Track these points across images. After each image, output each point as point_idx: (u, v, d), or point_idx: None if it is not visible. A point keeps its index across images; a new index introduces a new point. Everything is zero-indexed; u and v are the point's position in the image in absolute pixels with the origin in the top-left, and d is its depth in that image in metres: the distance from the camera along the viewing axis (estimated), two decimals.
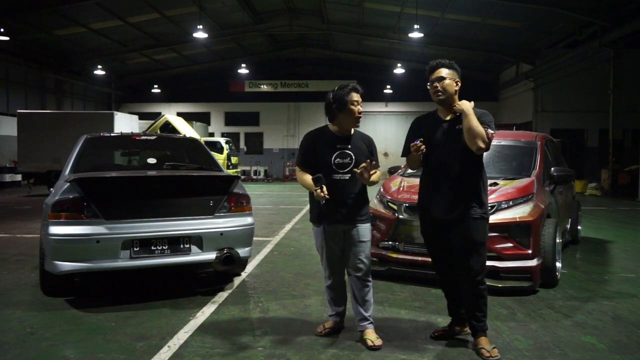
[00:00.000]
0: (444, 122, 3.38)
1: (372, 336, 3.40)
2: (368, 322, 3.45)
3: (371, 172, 3.32)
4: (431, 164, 3.39)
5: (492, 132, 3.18)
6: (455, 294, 3.51)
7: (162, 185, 4.60)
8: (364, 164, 3.28)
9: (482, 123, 3.18)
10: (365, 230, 3.46)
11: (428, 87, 3.39)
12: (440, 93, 3.32)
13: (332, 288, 3.58)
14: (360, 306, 3.47)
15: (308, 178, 3.34)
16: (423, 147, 3.26)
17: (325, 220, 3.43)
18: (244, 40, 25.00)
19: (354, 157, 3.40)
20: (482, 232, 3.30)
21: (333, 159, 3.40)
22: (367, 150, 3.49)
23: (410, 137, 3.49)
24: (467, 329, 3.54)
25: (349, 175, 3.38)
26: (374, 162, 3.32)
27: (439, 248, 3.46)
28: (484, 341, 3.25)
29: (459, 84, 3.36)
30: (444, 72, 3.31)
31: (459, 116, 3.28)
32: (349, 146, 3.43)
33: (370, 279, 3.49)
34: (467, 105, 3.23)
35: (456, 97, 3.35)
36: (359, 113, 3.42)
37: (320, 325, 3.66)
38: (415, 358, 3.22)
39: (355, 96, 3.40)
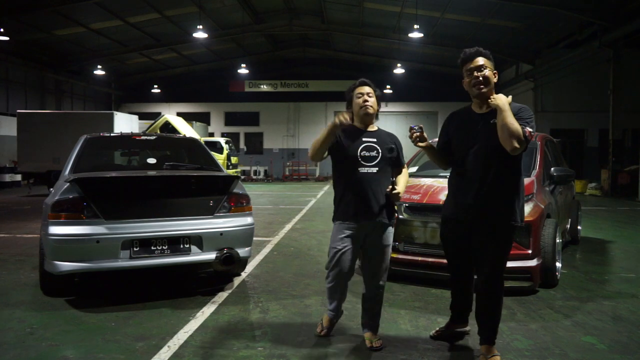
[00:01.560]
0: (477, 117, 3.09)
1: (373, 337, 3.39)
2: (370, 326, 3.43)
3: (403, 191, 3.34)
4: (459, 161, 3.16)
5: (530, 130, 2.88)
6: (464, 296, 3.42)
7: (162, 185, 4.59)
8: (395, 192, 3.24)
9: (519, 119, 2.89)
10: (390, 234, 3.38)
11: (465, 76, 3.10)
12: (482, 85, 3.01)
13: (336, 289, 3.45)
14: (367, 311, 3.44)
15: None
16: (417, 133, 3.14)
17: (352, 217, 3.28)
18: (244, 40, 25.00)
19: (380, 151, 3.31)
20: (504, 242, 3.05)
21: (359, 151, 3.28)
22: (395, 148, 3.38)
23: (441, 134, 3.37)
24: (467, 328, 3.54)
25: (377, 168, 3.27)
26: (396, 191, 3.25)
27: (458, 252, 3.31)
28: (484, 349, 3.12)
29: (497, 76, 3.08)
30: (481, 60, 3.03)
31: (494, 110, 2.99)
32: (375, 140, 3.34)
33: (384, 285, 3.43)
34: (503, 100, 2.92)
35: (493, 90, 3.07)
36: (365, 102, 3.33)
37: (318, 325, 3.65)
38: (415, 358, 3.22)
39: (361, 88, 3.37)
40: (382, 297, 3.47)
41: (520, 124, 2.89)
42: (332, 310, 3.56)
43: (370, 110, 3.34)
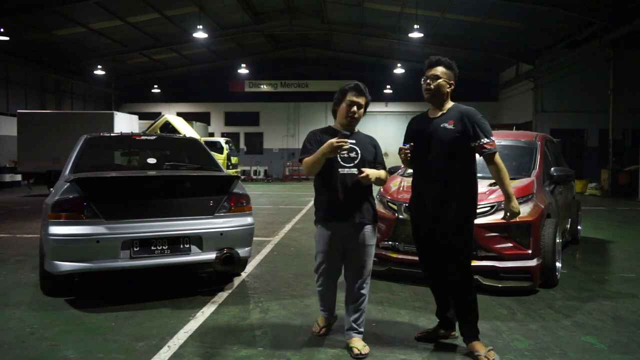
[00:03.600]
0: (431, 121, 3.34)
1: (358, 344, 3.26)
2: (355, 331, 3.33)
3: (373, 175, 3.23)
4: (418, 162, 3.39)
5: (486, 141, 3.18)
6: (442, 296, 3.46)
7: (162, 185, 4.59)
8: (362, 174, 3.19)
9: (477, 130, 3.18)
10: (371, 233, 3.34)
11: (421, 82, 3.35)
12: (428, 91, 3.30)
13: (325, 292, 3.47)
14: (351, 314, 3.34)
15: (315, 153, 3.19)
16: (408, 152, 3.31)
17: (334, 217, 3.28)
18: (244, 40, 25.00)
19: (359, 152, 3.32)
20: (461, 236, 3.21)
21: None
22: (374, 150, 3.41)
23: (405, 137, 3.51)
24: (454, 334, 3.51)
25: (356, 170, 3.26)
26: (364, 174, 3.21)
27: (426, 248, 3.42)
28: (477, 346, 3.17)
29: (452, 86, 3.31)
30: (440, 70, 3.27)
31: (445, 114, 3.28)
32: (354, 141, 3.33)
33: (367, 286, 3.36)
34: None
35: (447, 98, 3.33)
36: (354, 113, 3.32)
37: (314, 325, 3.65)
38: (415, 358, 3.22)
39: (356, 98, 3.32)
40: (365, 301, 3.35)
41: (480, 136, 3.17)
42: (325, 310, 3.56)
43: (356, 122, 3.40)
